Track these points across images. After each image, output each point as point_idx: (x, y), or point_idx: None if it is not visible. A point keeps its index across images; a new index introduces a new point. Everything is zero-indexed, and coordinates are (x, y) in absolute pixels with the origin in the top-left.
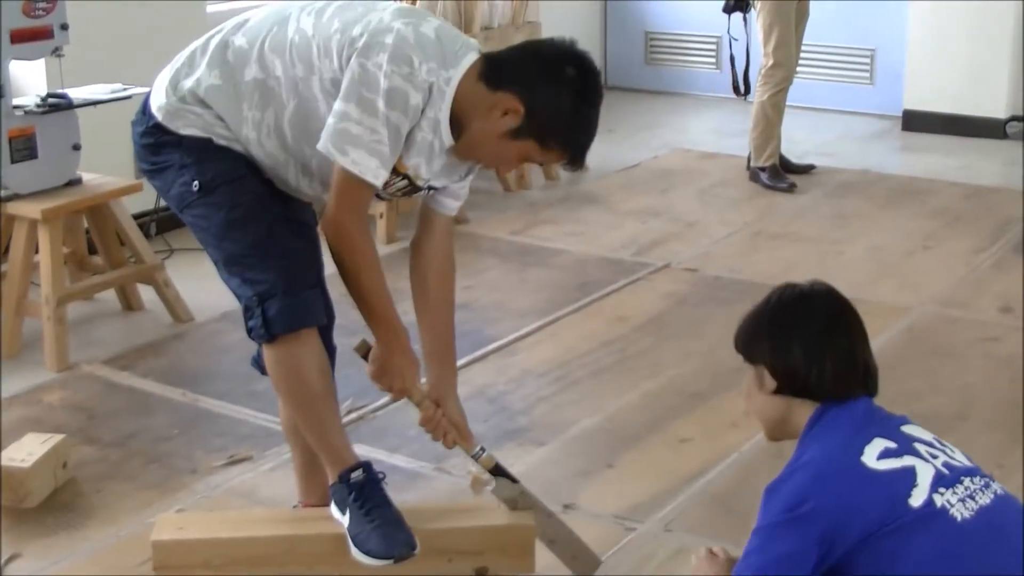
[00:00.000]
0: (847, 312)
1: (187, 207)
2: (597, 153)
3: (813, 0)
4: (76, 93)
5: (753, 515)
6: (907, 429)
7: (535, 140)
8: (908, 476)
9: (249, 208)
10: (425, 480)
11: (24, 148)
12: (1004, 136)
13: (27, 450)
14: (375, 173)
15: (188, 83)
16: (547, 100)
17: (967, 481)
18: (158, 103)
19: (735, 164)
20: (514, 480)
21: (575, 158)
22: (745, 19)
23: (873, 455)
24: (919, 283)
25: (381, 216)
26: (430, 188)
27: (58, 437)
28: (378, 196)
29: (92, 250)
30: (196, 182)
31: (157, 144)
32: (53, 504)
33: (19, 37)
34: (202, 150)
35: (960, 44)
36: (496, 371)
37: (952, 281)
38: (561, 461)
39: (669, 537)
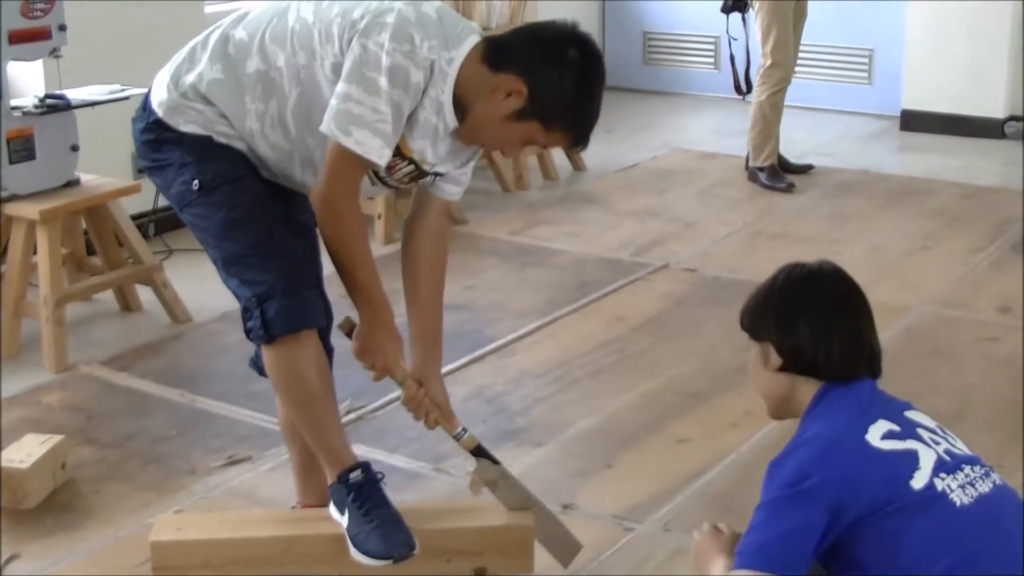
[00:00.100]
0: (854, 292)
1: (187, 206)
2: (596, 153)
3: (811, 0)
4: (74, 94)
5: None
6: (910, 414)
7: (539, 122)
8: (911, 459)
9: (249, 208)
10: (424, 480)
11: (22, 149)
12: (1003, 136)
13: (26, 451)
14: (379, 153)
15: (190, 78)
16: (550, 81)
17: (967, 469)
18: (159, 99)
19: (734, 164)
20: (495, 461)
21: (579, 139)
22: (743, 19)
23: (877, 435)
24: (918, 283)
25: (379, 217)
26: (435, 174)
27: (57, 438)
28: (384, 183)
29: (90, 251)
30: (196, 181)
31: (157, 141)
32: (52, 505)
33: (17, 38)
34: (202, 148)
35: (959, 44)
36: (494, 371)
37: (951, 281)
38: (560, 461)
39: (668, 537)
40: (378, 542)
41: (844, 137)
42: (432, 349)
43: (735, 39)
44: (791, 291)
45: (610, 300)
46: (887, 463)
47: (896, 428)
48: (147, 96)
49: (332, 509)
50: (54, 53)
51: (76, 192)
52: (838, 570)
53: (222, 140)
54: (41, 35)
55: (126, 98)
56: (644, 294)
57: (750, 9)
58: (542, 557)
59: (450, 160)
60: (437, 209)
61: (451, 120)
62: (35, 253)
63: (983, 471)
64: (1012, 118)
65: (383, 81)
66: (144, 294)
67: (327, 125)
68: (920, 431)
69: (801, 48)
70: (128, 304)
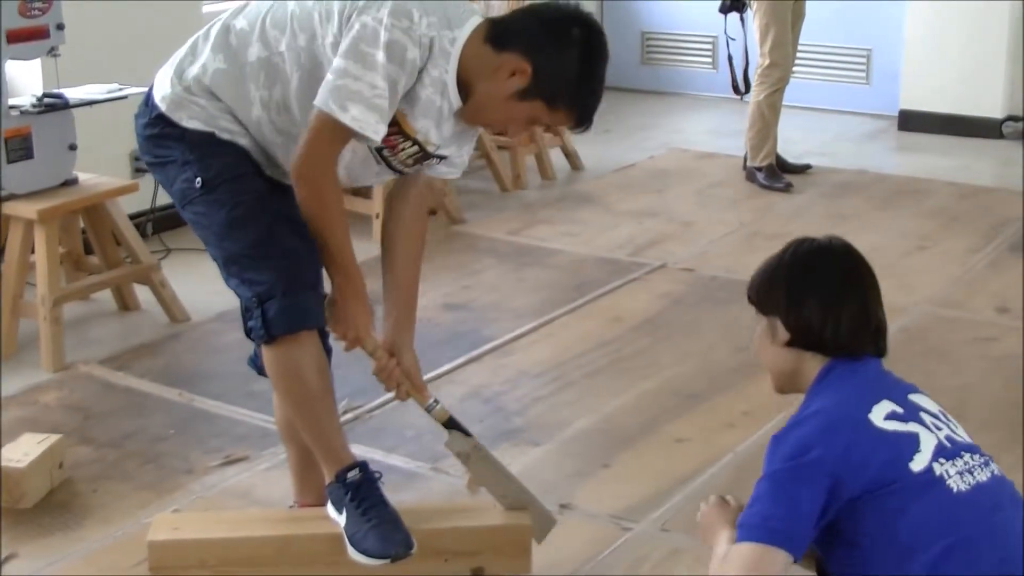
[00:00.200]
0: (863, 268)
1: (189, 203)
2: (593, 153)
3: (810, 0)
4: (72, 93)
5: None
6: (914, 398)
7: (543, 101)
8: (912, 441)
9: (250, 207)
10: (422, 480)
11: (20, 148)
12: (1000, 136)
13: (23, 450)
14: (375, 129)
15: (193, 70)
16: (554, 60)
17: (967, 456)
18: (162, 93)
19: (732, 164)
20: (468, 434)
21: (582, 118)
22: (742, 19)
23: (880, 415)
24: (915, 283)
25: (377, 217)
26: (439, 156)
27: (54, 437)
28: (389, 166)
29: (88, 250)
30: (199, 179)
31: (160, 136)
32: (49, 504)
33: (15, 37)
34: (205, 145)
35: (957, 44)
36: (492, 371)
37: (948, 281)
38: (557, 461)
39: (665, 537)
40: (376, 541)
41: (842, 137)
42: (405, 320)
43: (733, 39)
44: (800, 266)
45: (608, 300)
46: (889, 444)
47: (899, 410)
48: (149, 91)
49: (330, 508)
50: (52, 52)
51: (74, 191)
52: (836, 548)
53: (225, 136)
54: (39, 34)
55: (124, 97)
56: (642, 294)
57: (748, 9)
58: (540, 557)
59: (454, 142)
60: (420, 182)
61: (455, 100)
62: (33, 252)
63: (982, 460)
64: (1010, 118)
65: (380, 56)
66: (142, 293)
67: (323, 100)
68: (923, 415)
69: (799, 48)
70: (126, 303)
